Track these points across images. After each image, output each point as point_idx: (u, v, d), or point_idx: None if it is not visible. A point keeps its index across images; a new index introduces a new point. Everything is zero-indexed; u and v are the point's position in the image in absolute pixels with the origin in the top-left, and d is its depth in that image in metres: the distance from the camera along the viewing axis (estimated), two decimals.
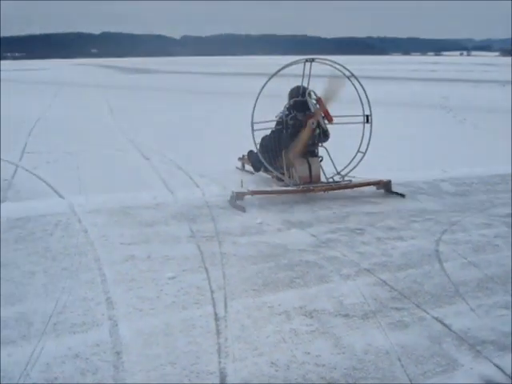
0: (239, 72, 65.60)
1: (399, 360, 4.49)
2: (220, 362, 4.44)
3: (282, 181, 9.76)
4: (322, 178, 9.77)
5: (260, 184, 10.24)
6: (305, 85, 9.81)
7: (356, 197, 9.59)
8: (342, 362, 4.47)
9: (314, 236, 7.41)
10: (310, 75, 9.62)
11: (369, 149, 9.86)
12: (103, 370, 4.35)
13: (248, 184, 9.83)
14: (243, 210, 8.63)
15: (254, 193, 9.20)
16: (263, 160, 9.73)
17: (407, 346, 4.68)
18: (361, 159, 9.91)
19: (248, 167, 11.33)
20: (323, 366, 4.41)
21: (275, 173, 9.84)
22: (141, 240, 7.20)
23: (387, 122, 15.83)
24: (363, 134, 9.96)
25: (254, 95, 9.06)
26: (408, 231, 7.67)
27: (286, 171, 9.74)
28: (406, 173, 11.17)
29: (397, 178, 10.20)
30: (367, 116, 9.92)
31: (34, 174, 11.14)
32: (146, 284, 5.86)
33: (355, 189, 9.78)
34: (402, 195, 9.59)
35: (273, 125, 10.03)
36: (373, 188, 9.90)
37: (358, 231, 7.65)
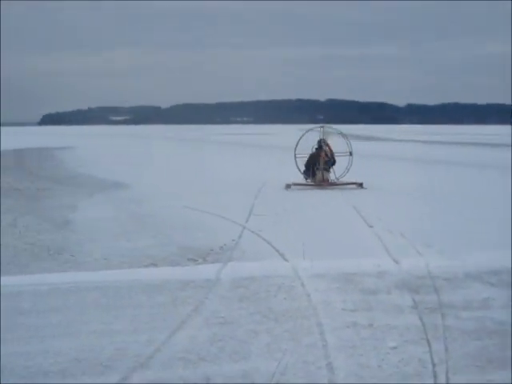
0: (466, 141, 64.39)
1: None
2: None
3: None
4: (330, 180, 21.01)
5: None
6: (325, 135, 21.87)
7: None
8: None
9: None
10: (323, 133, 21.90)
11: None
12: None
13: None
14: (288, 189, 19.55)
15: (294, 184, 20.11)
16: (301, 173, 21.34)
17: None
18: (347, 172, 21.38)
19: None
20: None
21: (306, 178, 21.18)
22: (363, 307, 7.19)
23: None
24: (349, 161, 21.84)
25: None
26: None
27: (312, 176, 21.00)
28: None
29: None
30: (350, 152, 21.85)
31: (260, 236, 11.50)
32: (367, 352, 5.83)
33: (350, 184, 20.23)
34: (364, 188, 19.77)
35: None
36: (354, 186, 20.06)
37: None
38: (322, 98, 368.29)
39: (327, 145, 21.43)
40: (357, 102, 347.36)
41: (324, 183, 20.63)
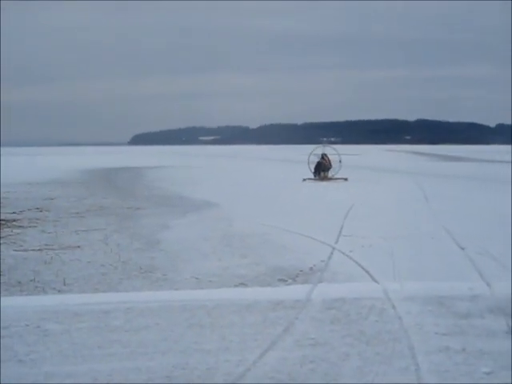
0: None
1: None
2: None
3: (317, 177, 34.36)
4: (328, 176, 34.33)
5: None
6: (324, 151, 36.27)
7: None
8: None
9: None
10: (324, 148, 36.80)
11: None
12: None
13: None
14: (303, 181, 32.87)
15: (307, 179, 32.97)
16: (312, 172, 34.49)
17: None
18: (338, 171, 34.71)
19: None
20: None
21: (315, 175, 34.18)
22: (455, 331, 7.06)
23: None
24: (339, 166, 35.47)
25: None
26: None
27: (318, 174, 34.11)
28: None
29: None
30: (340, 160, 35.75)
31: (350, 257, 11.43)
32: (460, 377, 5.73)
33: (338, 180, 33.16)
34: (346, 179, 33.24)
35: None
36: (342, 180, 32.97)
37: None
38: (411, 118, 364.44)
39: (327, 156, 35.27)
40: (447, 123, 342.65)
41: (325, 178, 33.67)
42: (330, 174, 34.47)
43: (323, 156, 34.98)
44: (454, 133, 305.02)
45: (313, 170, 34.65)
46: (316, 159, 35.69)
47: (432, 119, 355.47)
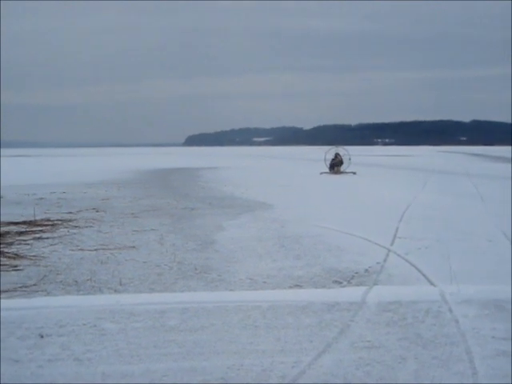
0: None
1: None
2: None
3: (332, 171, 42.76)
4: (340, 171, 42.64)
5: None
6: (337, 151, 44.64)
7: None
8: None
9: None
10: (337, 148, 44.79)
11: None
12: None
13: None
14: (320, 174, 41.40)
15: (324, 172, 41.84)
16: (327, 167, 43.23)
17: None
18: (347, 167, 42.47)
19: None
20: None
21: (330, 170, 42.62)
22: None
23: None
24: (348, 161, 43.19)
25: None
26: None
27: (332, 169, 42.65)
28: None
29: None
30: (349, 158, 43.52)
31: (406, 260, 11.33)
32: None
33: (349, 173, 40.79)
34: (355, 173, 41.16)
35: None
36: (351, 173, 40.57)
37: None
38: (466, 119, 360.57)
39: (339, 155, 43.25)
40: (503, 123, 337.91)
41: (337, 172, 41.60)
42: (342, 168, 42.53)
43: (336, 155, 43.53)
44: (510, 134, 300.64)
45: (328, 166, 43.16)
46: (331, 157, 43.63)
47: (487, 120, 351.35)
